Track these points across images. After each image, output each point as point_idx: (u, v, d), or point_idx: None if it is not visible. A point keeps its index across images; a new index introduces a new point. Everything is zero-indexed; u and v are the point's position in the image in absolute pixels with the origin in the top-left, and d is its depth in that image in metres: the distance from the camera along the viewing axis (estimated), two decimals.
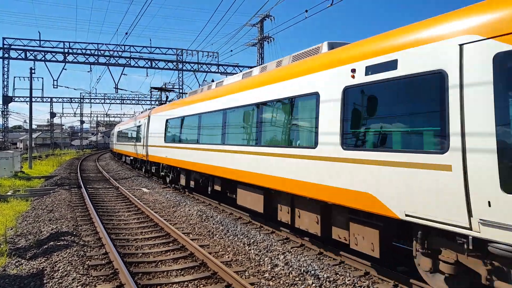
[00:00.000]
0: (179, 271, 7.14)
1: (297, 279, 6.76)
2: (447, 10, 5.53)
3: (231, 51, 46.70)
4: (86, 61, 28.50)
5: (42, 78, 51.70)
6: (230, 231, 10.11)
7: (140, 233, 10.13)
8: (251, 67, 32.13)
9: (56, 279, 6.46)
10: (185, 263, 7.61)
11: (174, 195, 16.43)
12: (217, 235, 9.85)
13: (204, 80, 32.47)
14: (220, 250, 8.60)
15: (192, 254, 8.07)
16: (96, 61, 28.81)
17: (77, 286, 6.17)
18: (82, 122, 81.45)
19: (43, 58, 26.71)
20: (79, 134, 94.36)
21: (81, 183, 20.06)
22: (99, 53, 29.11)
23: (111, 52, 29.66)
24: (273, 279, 6.80)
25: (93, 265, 7.32)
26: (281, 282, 6.65)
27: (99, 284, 6.37)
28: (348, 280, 6.63)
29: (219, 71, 31.92)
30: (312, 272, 7.00)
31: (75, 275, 6.64)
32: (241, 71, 31.96)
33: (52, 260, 7.42)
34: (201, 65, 31.73)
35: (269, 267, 7.41)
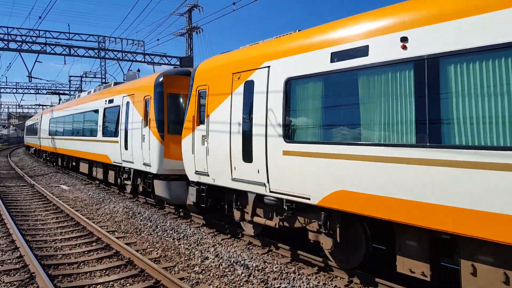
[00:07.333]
0: (104, 271, 6.84)
1: (227, 270, 6.85)
2: None
3: (158, 40, 45.04)
4: None
5: None
6: (159, 226, 9.89)
7: (59, 233, 9.48)
8: (179, 58, 31.33)
9: None
10: (110, 263, 7.30)
11: (98, 192, 15.60)
12: (145, 232, 9.57)
13: (129, 69, 30.92)
14: (148, 246, 8.39)
15: (117, 253, 7.76)
16: (6, 47, 26.03)
17: None
18: None
19: None
20: None
21: None
22: (10, 38, 26.33)
23: (24, 37, 26.99)
24: (203, 272, 6.81)
25: (5, 270, 6.71)
26: (211, 274, 6.69)
27: None
28: (275, 268, 6.87)
29: (146, 60, 30.59)
30: (242, 262, 7.14)
31: None
32: (169, 61, 31.03)
33: None
34: (126, 53, 30.16)
35: (200, 260, 7.41)
